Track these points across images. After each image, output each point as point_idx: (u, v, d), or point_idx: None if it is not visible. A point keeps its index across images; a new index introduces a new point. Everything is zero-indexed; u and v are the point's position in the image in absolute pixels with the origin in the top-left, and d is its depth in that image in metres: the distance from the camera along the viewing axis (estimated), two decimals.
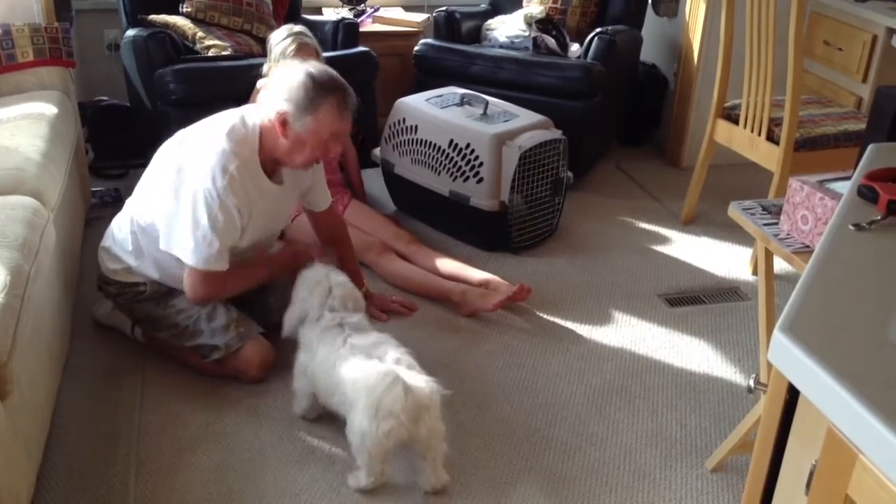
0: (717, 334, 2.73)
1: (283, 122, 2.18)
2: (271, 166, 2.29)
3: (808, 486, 1.02)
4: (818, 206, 1.70)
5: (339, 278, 2.23)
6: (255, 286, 2.43)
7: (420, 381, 1.93)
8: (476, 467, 2.11)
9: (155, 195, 2.28)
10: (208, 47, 3.53)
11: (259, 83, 3.10)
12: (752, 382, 1.70)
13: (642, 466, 2.15)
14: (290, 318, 2.22)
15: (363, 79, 3.56)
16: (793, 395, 1.10)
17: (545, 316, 2.79)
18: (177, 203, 2.19)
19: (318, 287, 2.20)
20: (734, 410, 2.37)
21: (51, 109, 2.92)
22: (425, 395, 1.91)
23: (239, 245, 2.29)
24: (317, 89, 2.18)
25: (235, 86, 3.09)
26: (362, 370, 1.96)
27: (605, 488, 2.07)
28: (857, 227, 1.33)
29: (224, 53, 3.52)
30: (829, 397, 0.94)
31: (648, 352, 2.63)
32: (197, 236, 2.17)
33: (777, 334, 1.03)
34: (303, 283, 2.23)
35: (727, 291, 3.00)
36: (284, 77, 2.22)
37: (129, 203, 2.41)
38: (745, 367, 2.56)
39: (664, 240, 3.35)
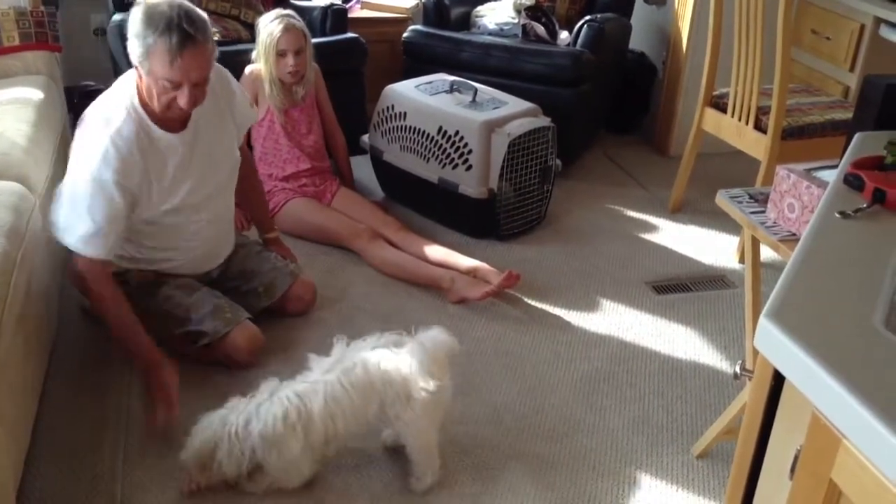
0: (704, 322, 2.74)
1: (136, 64, 2.05)
2: (168, 116, 2.15)
3: (792, 470, 1.04)
4: (805, 195, 1.72)
5: None
6: (117, 330, 2.23)
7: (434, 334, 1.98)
8: (464, 454, 2.12)
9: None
10: None
11: (247, 69, 3.08)
12: (737, 369, 1.71)
13: (629, 452, 2.16)
14: None
15: (352, 66, 3.54)
16: (778, 381, 1.11)
17: (533, 303, 2.80)
18: (66, 187, 2.13)
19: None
20: (720, 397, 2.38)
21: (37, 94, 2.90)
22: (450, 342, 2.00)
23: (177, 205, 2.22)
24: (146, 28, 1.97)
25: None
26: (387, 355, 1.94)
27: (593, 474, 2.08)
28: (843, 214, 1.34)
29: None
30: (813, 383, 0.96)
31: (635, 339, 2.64)
32: (70, 216, 2.10)
33: (763, 321, 1.04)
34: None
35: (714, 279, 3.01)
36: (132, 12, 2.05)
37: None
38: (731, 354, 2.58)
39: (652, 228, 3.37)
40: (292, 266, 2.63)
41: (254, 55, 3.08)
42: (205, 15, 2.08)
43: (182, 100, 2.06)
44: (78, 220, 2.09)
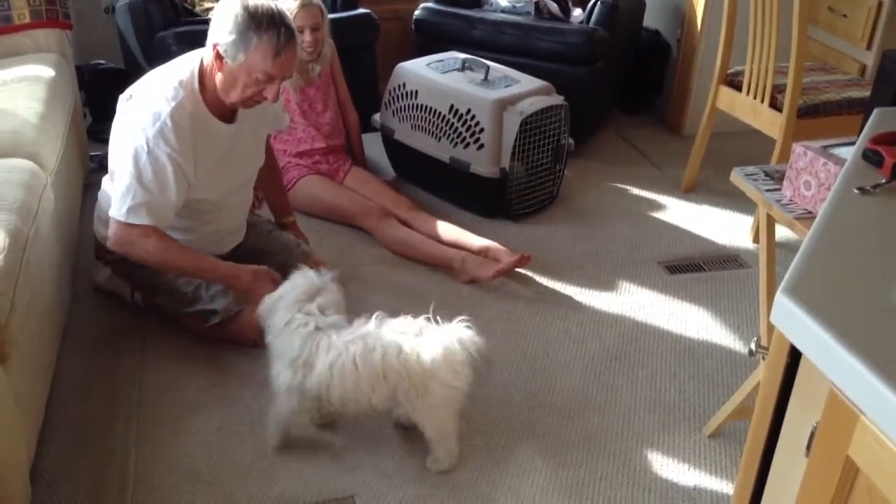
0: (717, 302, 2.73)
1: (218, 54, 2.10)
2: (219, 106, 2.21)
3: (808, 447, 1.03)
4: (821, 172, 1.69)
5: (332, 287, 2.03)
6: (190, 272, 2.29)
7: (466, 330, 1.95)
8: (475, 433, 2.12)
9: (113, 158, 2.26)
10: (208, 9, 3.49)
11: None
12: (753, 346, 1.70)
13: (641, 432, 2.16)
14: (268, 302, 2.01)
15: (364, 42, 3.52)
16: (794, 357, 1.10)
17: (544, 283, 2.79)
18: (119, 160, 2.17)
19: (304, 285, 1.99)
20: (732, 377, 2.37)
21: (48, 72, 2.89)
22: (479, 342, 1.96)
23: (204, 196, 2.25)
24: (249, 23, 2.05)
25: None
26: (411, 341, 1.91)
27: (604, 453, 2.08)
28: (862, 190, 1.32)
29: None
30: (831, 358, 0.94)
31: (647, 318, 2.63)
32: (122, 187, 2.13)
33: (780, 296, 1.03)
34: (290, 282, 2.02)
35: (727, 259, 2.99)
36: (223, 7, 2.10)
37: (107, 175, 2.40)
38: (744, 334, 2.57)
39: (664, 207, 3.34)
40: (304, 246, 2.63)
41: None
42: None
43: (270, 93, 2.14)
44: (125, 190, 2.12)
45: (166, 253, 2.20)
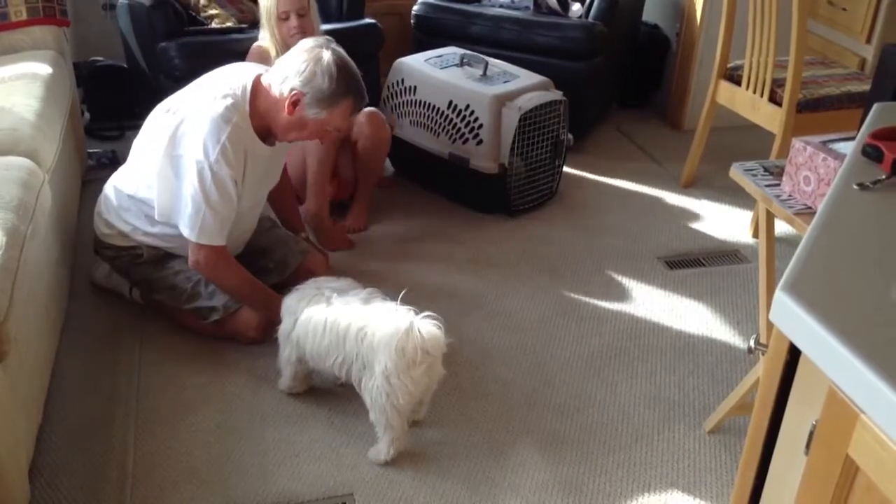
0: (717, 297, 2.72)
1: (295, 102, 2.16)
2: (264, 130, 2.26)
3: (807, 446, 1.02)
4: (821, 167, 1.69)
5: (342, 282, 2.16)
6: (244, 297, 2.35)
7: (429, 325, 1.91)
8: (475, 429, 2.12)
9: (147, 166, 2.26)
10: (211, 17, 3.47)
11: (254, 45, 3.03)
12: (752, 343, 1.70)
13: (640, 428, 2.15)
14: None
15: (368, 50, 3.50)
16: (793, 355, 1.09)
17: (544, 278, 2.78)
18: (174, 176, 2.20)
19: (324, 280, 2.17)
20: (732, 372, 2.37)
21: (45, 69, 2.88)
22: (439, 341, 1.91)
23: (238, 209, 2.28)
24: (340, 87, 2.15)
25: (241, 60, 3.02)
26: (373, 321, 1.94)
27: (603, 449, 2.07)
28: (862, 186, 1.31)
29: (227, 24, 3.45)
30: (830, 357, 0.94)
31: (647, 314, 2.62)
32: (191, 209, 2.18)
33: (779, 294, 1.02)
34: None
35: (727, 254, 2.99)
36: (309, 57, 2.16)
37: (121, 171, 2.40)
38: (744, 329, 2.56)
39: (664, 202, 3.34)
40: (303, 243, 2.62)
41: (261, 33, 3.02)
42: None
43: (330, 138, 2.43)
44: (196, 213, 2.18)
45: (236, 278, 2.32)
